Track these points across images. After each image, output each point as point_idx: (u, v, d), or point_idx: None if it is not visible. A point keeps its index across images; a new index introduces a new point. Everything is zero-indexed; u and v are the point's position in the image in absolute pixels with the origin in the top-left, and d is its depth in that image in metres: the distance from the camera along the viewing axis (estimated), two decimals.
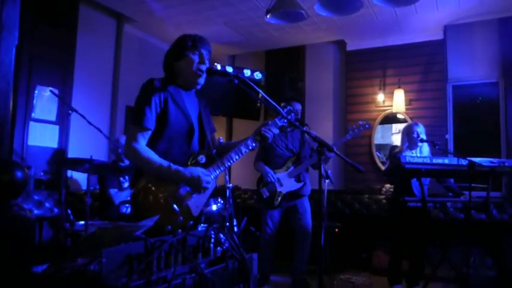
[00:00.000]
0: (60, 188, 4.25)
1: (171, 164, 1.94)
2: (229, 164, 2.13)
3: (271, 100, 2.13)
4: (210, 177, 2.04)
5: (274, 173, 3.95)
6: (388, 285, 3.97)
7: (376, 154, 5.86)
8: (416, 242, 3.87)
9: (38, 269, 1.41)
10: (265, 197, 3.98)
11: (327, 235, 4.25)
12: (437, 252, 3.92)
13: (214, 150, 2.24)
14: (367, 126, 3.92)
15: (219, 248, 1.66)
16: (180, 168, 1.96)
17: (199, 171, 1.99)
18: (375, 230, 5.00)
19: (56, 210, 4.29)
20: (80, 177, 4.85)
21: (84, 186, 4.78)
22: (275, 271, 4.33)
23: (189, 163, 2.04)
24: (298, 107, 4.09)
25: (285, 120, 2.23)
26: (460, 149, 5.13)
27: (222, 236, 1.69)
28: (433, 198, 3.62)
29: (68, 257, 1.43)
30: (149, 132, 2.00)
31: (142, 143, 1.98)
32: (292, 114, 2.37)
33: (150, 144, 2.01)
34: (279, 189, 3.93)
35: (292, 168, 3.97)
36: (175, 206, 1.93)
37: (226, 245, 1.70)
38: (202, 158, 2.08)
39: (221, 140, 4.29)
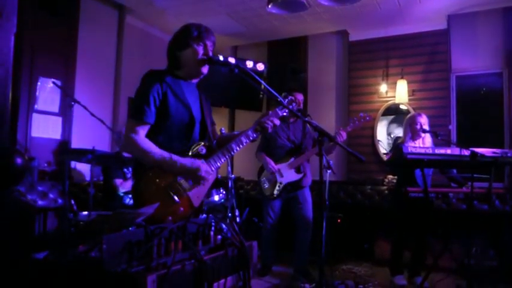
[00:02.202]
0: (64, 179, 4.28)
1: (172, 155, 1.94)
2: (229, 155, 2.13)
3: (273, 90, 2.12)
4: (210, 167, 2.05)
5: (275, 164, 3.96)
6: (390, 275, 3.98)
7: (378, 145, 5.85)
8: (418, 232, 3.88)
9: (39, 256, 1.43)
10: (265, 187, 4.00)
11: (329, 226, 4.26)
12: (439, 243, 3.93)
13: (215, 142, 2.24)
14: (367, 118, 3.91)
15: (219, 235, 1.68)
16: (180, 158, 1.95)
17: (198, 161, 1.99)
18: (377, 221, 5.01)
19: (60, 200, 4.33)
20: (84, 168, 4.89)
21: (88, 177, 4.82)
22: (277, 261, 4.36)
23: (189, 154, 2.04)
24: (300, 97, 4.08)
25: (286, 111, 2.23)
26: (463, 139, 5.12)
27: (222, 224, 1.70)
28: (435, 189, 3.62)
29: (69, 244, 1.45)
30: (148, 126, 1.99)
31: (141, 135, 1.97)
32: (294, 104, 2.37)
33: (151, 136, 2.00)
34: (279, 180, 3.94)
35: (292, 159, 3.97)
36: (175, 197, 1.93)
37: (228, 234, 1.72)
38: (202, 149, 2.08)
39: (223, 131, 4.31)
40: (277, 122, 2.17)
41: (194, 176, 1.98)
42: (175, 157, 1.94)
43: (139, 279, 1.24)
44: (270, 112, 2.22)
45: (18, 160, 1.27)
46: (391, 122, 5.91)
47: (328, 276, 3.95)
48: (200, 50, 2.06)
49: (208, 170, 2.02)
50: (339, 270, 4.46)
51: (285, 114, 2.24)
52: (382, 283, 4.05)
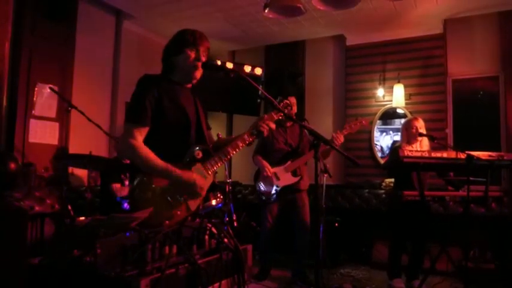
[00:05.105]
0: (61, 185, 4.28)
1: (169, 166, 1.93)
2: (226, 159, 2.14)
3: (268, 94, 2.14)
4: (205, 177, 2.05)
5: (272, 167, 3.96)
6: (388, 279, 3.98)
7: (376, 149, 5.87)
8: (416, 236, 3.88)
9: (34, 260, 1.43)
10: (262, 190, 4.01)
11: (326, 229, 4.26)
12: (436, 246, 3.93)
13: (211, 146, 2.24)
14: (363, 122, 3.94)
15: (214, 239, 1.68)
16: (177, 171, 1.94)
17: (195, 176, 1.99)
18: (374, 224, 5.02)
19: (57, 206, 4.32)
20: (82, 174, 4.87)
21: (86, 183, 4.81)
22: (275, 265, 4.35)
23: (186, 159, 2.05)
24: (293, 101, 4.10)
25: (281, 114, 2.25)
26: (460, 143, 5.12)
27: (216, 228, 1.71)
28: (432, 192, 3.63)
29: (64, 248, 1.45)
30: (146, 129, 1.99)
31: (139, 140, 1.96)
32: (289, 108, 2.40)
33: (147, 140, 2.00)
34: (275, 183, 3.94)
35: (289, 162, 3.98)
36: (172, 201, 1.94)
37: (223, 238, 1.72)
38: (198, 153, 2.08)
39: (220, 137, 4.31)
40: (272, 125, 2.20)
41: (188, 191, 1.98)
42: (171, 168, 1.93)
43: (133, 283, 1.24)
44: (266, 116, 2.24)
45: (12, 165, 1.27)
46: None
47: (325, 280, 3.95)
48: (193, 55, 2.08)
49: (203, 185, 2.02)
50: (336, 274, 4.45)
51: (280, 117, 2.26)
52: (380, 286, 4.05)
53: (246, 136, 2.17)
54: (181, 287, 1.41)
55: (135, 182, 1.96)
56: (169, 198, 1.93)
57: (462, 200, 3.51)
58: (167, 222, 1.85)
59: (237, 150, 2.15)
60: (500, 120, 5.03)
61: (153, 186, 1.92)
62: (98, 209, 4.32)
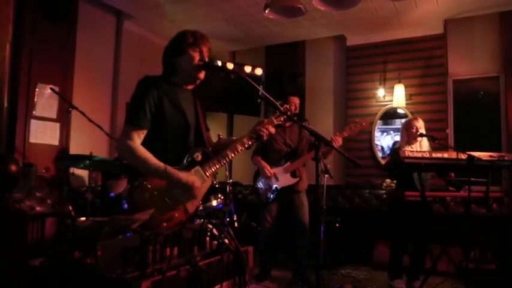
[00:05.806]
0: (62, 185, 4.28)
1: (167, 167, 1.93)
2: (224, 161, 2.13)
3: (270, 96, 2.13)
4: (204, 179, 2.05)
5: (271, 168, 3.96)
6: (389, 279, 3.98)
7: (376, 149, 5.87)
8: (417, 236, 3.88)
9: (35, 262, 1.43)
10: (261, 191, 4.01)
11: (327, 230, 4.26)
12: (437, 247, 3.93)
13: (210, 148, 2.24)
14: (363, 124, 3.92)
15: (215, 241, 1.68)
16: (176, 171, 1.95)
17: (193, 177, 1.99)
18: (375, 225, 5.01)
19: (57, 206, 4.32)
20: (84, 174, 4.87)
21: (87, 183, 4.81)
22: (276, 265, 4.35)
23: (185, 161, 2.04)
24: (296, 101, 4.10)
25: (281, 119, 2.26)
26: (460, 143, 5.12)
27: (217, 229, 1.70)
28: (433, 193, 3.62)
29: (65, 250, 1.45)
30: (144, 132, 1.98)
31: (137, 142, 1.96)
32: (288, 113, 2.40)
33: (146, 142, 1.99)
34: (274, 184, 3.94)
35: (288, 163, 3.98)
36: (170, 203, 1.93)
37: (223, 239, 1.72)
38: (198, 156, 2.08)
39: (221, 137, 4.30)
40: (272, 130, 2.20)
41: (185, 190, 1.98)
42: (170, 169, 1.93)
43: (134, 285, 1.24)
44: (266, 120, 2.24)
45: (12, 167, 1.27)
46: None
47: (326, 280, 3.94)
48: (196, 56, 2.08)
49: (200, 188, 2.02)
50: (337, 275, 4.45)
51: (280, 122, 2.27)
52: (381, 287, 4.05)
53: (245, 139, 2.17)
54: None
55: (134, 184, 1.96)
56: (167, 200, 1.93)
57: (463, 201, 3.49)
58: (165, 224, 1.85)
59: (236, 153, 2.15)
60: (500, 120, 5.03)
61: (152, 187, 1.92)
62: (99, 209, 4.32)
